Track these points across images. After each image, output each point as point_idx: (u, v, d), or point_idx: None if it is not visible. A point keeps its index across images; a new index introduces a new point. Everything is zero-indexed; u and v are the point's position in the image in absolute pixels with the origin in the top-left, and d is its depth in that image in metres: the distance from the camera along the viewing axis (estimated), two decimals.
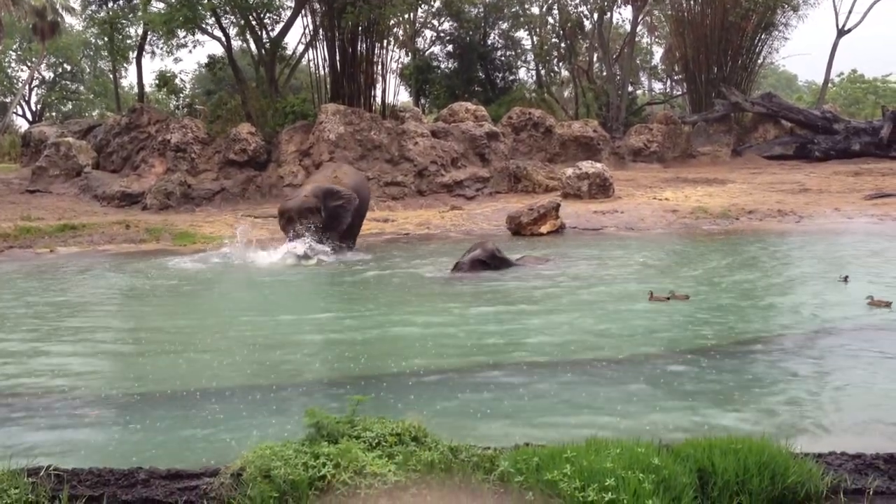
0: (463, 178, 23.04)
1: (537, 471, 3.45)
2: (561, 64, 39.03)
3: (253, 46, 27.11)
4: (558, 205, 17.45)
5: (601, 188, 21.54)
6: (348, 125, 22.69)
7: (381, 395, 5.86)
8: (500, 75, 37.45)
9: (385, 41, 26.50)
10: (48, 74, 48.04)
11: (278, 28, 26.60)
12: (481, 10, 36.49)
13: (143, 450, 4.86)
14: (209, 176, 22.90)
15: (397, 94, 65.49)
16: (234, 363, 7.02)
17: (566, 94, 42.56)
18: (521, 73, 38.81)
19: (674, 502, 3.30)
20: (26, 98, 46.27)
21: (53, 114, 47.10)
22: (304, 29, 28.76)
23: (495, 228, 17.76)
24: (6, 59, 45.26)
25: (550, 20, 37.45)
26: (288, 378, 6.62)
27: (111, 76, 41.00)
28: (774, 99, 32.30)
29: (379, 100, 26.21)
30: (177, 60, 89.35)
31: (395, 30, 29.26)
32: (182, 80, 33.75)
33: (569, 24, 35.79)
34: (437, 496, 3.33)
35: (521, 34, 38.30)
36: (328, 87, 25.91)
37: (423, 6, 33.18)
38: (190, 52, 34.31)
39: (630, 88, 37.08)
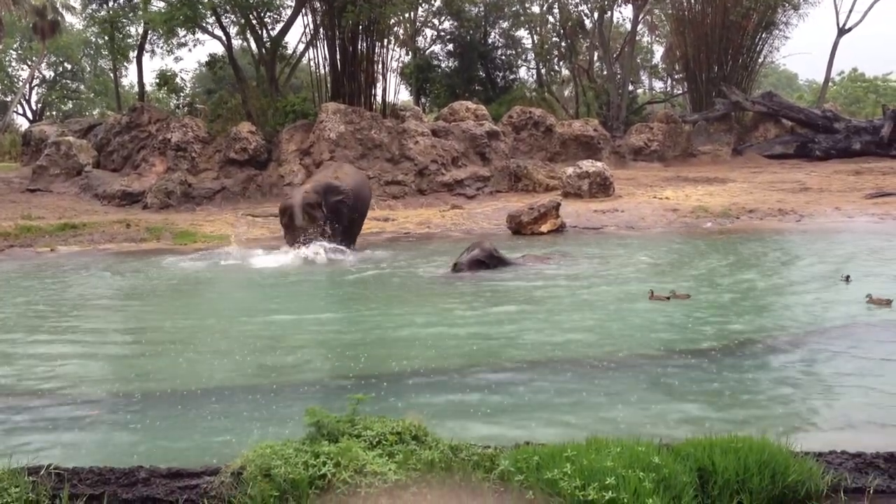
0: (463, 177, 23.04)
1: (538, 470, 3.45)
2: (561, 63, 39.06)
3: (253, 45, 27.16)
4: (559, 204, 17.43)
5: (601, 187, 21.52)
6: (349, 124, 22.69)
7: (381, 394, 5.86)
8: (501, 74, 37.48)
9: (385, 40, 26.53)
10: (49, 73, 48.15)
11: (279, 27, 26.67)
12: (482, 8, 36.51)
13: (143, 449, 4.87)
14: (210, 175, 22.91)
15: (398, 93, 65.73)
16: (235, 362, 7.02)
17: (567, 93, 42.60)
18: (522, 72, 38.93)
19: (674, 501, 3.30)
20: (27, 97, 46.33)
21: (54, 113, 47.16)
22: (305, 28, 28.92)
23: (496, 227, 17.75)
24: (7, 58, 45.29)
25: (551, 19, 37.51)
26: (288, 377, 6.62)
27: (112, 75, 41.05)
28: (775, 98, 32.29)
29: (379, 99, 26.26)
30: (177, 59, 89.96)
31: (395, 29, 29.29)
32: (182, 79, 33.88)
33: (569, 23, 35.80)
34: (437, 495, 3.33)
35: (522, 33, 38.43)
36: (328, 86, 25.91)
37: (423, 5, 33.26)
38: (190, 51, 34.64)
39: (630, 87, 37.07)
